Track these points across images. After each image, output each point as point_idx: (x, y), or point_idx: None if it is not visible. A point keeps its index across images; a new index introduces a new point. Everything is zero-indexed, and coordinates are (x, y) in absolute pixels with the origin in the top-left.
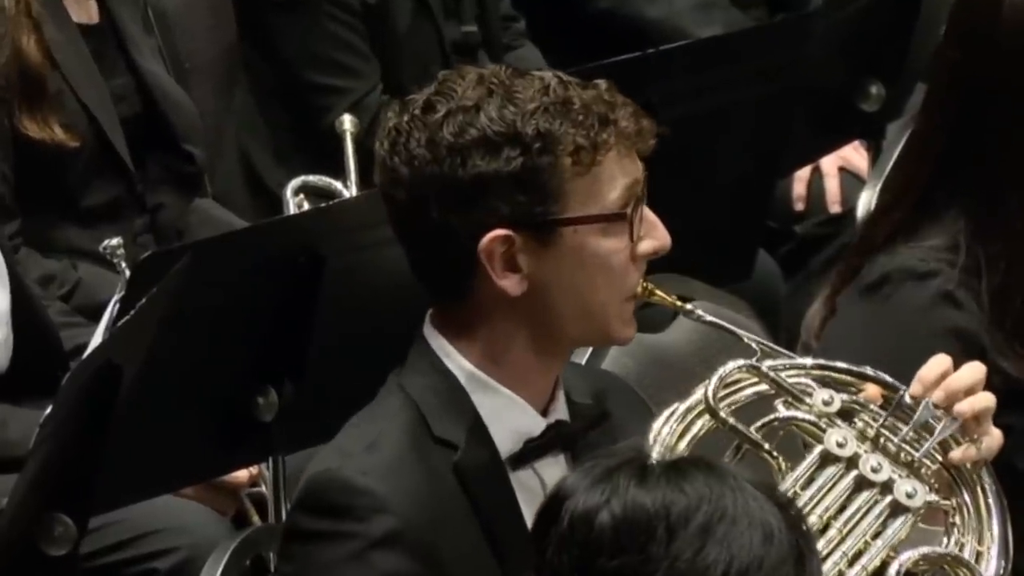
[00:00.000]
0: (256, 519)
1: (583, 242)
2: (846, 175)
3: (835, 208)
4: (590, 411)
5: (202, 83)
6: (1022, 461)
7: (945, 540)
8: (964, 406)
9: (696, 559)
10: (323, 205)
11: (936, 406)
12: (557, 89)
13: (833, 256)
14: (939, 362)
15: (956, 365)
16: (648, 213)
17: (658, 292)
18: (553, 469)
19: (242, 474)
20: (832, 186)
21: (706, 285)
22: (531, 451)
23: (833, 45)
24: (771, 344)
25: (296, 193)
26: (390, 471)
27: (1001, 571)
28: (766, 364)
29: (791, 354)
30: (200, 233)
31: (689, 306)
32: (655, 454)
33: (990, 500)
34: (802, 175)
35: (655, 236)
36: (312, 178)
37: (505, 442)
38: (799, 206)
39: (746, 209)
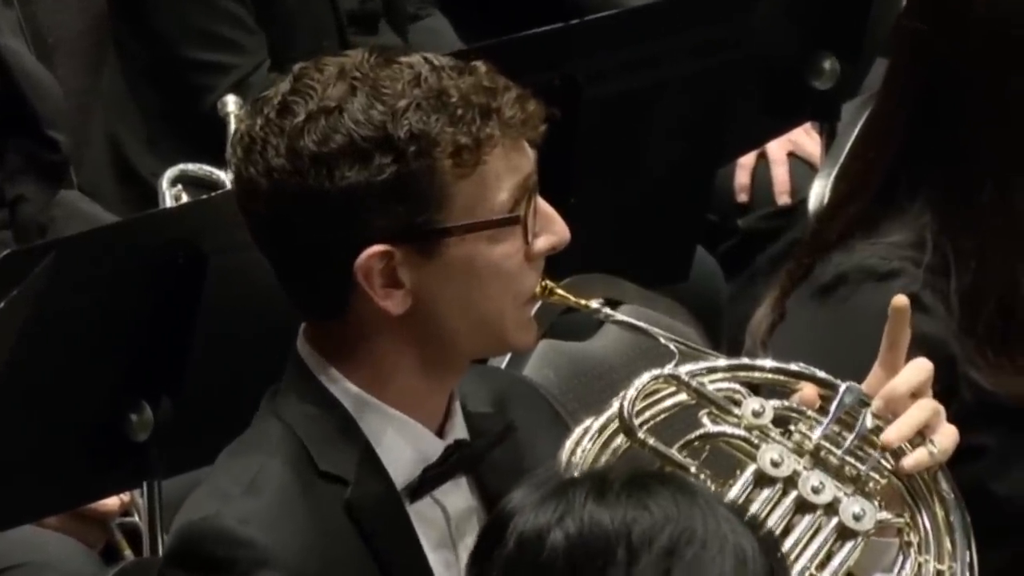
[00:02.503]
0: (128, 552)
1: (471, 251)
2: (796, 162)
3: (783, 199)
4: (491, 424)
5: (67, 61)
6: (999, 486)
7: (900, 560)
8: (891, 435)
9: None
10: (204, 197)
11: (877, 416)
12: (430, 79)
13: (781, 254)
14: (918, 370)
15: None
16: (543, 206)
17: (559, 291)
18: (455, 496)
19: (112, 501)
20: (780, 174)
21: (637, 287)
22: (430, 479)
23: (781, 14)
24: (693, 344)
25: (173, 184)
26: (273, 517)
27: None
28: (685, 370)
29: (717, 355)
30: (65, 229)
31: (595, 304)
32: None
33: (950, 512)
34: (746, 162)
35: (552, 231)
36: (191, 166)
37: (400, 471)
38: (742, 197)
39: (682, 201)
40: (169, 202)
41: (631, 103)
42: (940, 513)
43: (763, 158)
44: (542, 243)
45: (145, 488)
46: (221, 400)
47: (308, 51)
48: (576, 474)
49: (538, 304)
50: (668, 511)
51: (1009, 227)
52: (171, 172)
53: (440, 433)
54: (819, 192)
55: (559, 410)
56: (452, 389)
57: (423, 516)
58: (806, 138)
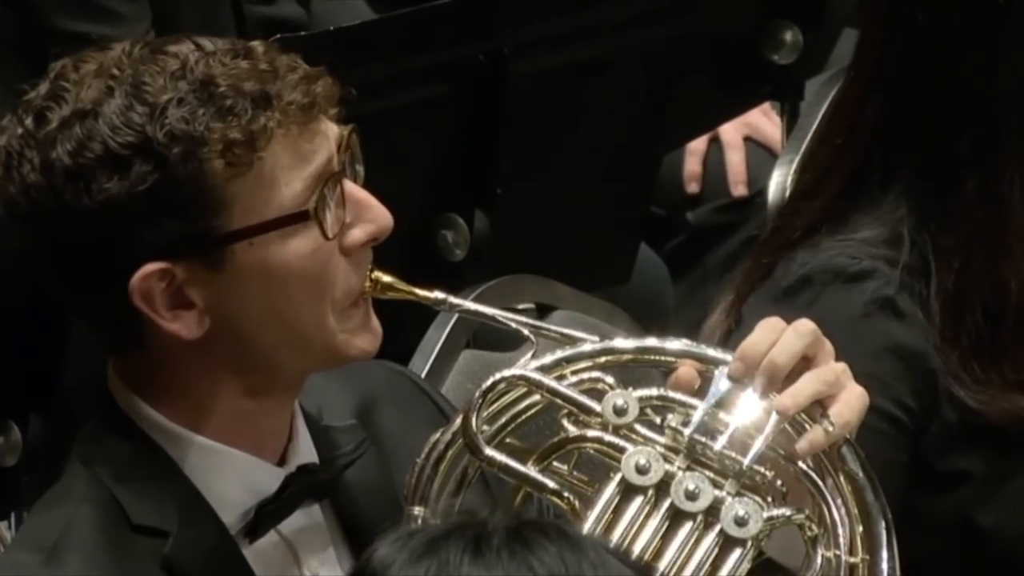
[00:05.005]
0: None
1: (263, 256)
2: (753, 147)
3: (739, 190)
4: (349, 439)
5: None
6: (985, 517)
7: (807, 558)
8: (786, 400)
9: None
10: None
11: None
12: (196, 68)
13: (737, 252)
14: (770, 327)
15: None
16: (353, 191)
17: (396, 285)
18: (306, 530)
19: None
20: (735, 161)
21: (572, 290)
22: (268, 516)
23: None
24: (555, 328)
25: None
26: None
27: None
28: (539, 363)
29: (587, 338)
30: None
31: (438, 295)
32: (416, 521)
33: (861, 496)
34: (696, 147)
35: (368, 218)
36: None
37: (234, 512)
38: (692, 188)
39: (623, 192)
40: None
41: (564, 80)
42: (850, 498)
43: (715, 143)
44: (357, 234)
45: (13, 519)
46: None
47: (197, 22)
48: (444, 525)
49: (367, 304)
50: (555, 569)
51: (996, 222)
52: None
53: (282, 460)
54: (780, 182)
55: (442, 405)
56: (291, 409)
57: (265, 557)
58: (764, 120)
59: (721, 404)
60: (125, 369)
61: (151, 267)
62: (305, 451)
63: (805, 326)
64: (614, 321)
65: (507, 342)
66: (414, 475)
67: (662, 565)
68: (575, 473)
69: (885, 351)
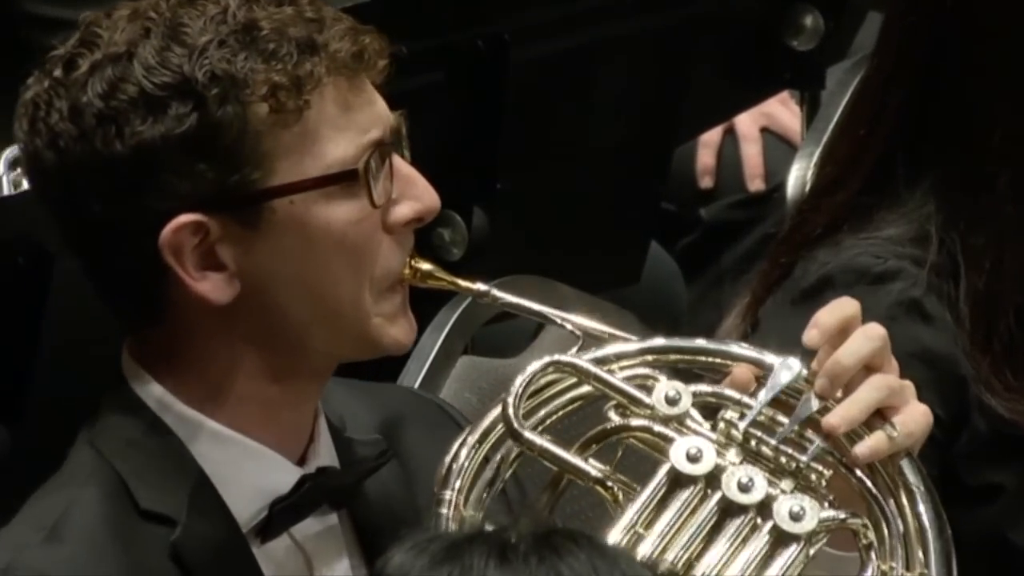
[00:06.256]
0: None
1: (304, 216)
2: (771, 139)
3: (756, 184)
4: (372, 452)
5: None
6: (1017, 533)
7: (860, 569)
8: (834, 419)
9: None
10: None
11: (822, 397)
12: (239, 13)
13: (753, 251)
14: (843, 305)
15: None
16: (402, 166)
17: (436, 273)
18: (321, 538)
19: None
20: (752, 154)
21: (578, 292)
22: (281, 515)
23: None
24: (602, 327)
25: (12, 167)
26: (79, 567)
27: None
28: (587, 357)
29: (631, 337)
30: None
31: (481, 287)
32: (447, 505)
33: (919, 507)
34: (710, 139)
35: (414, 195)
36: None
37: (246, 508)
38: (706, 182)
39: (632, 187)
40: (7, 190)
41: (569, 67)
42: (908, 511)
43: (731, 135)
44: (403, 210)
45: None
46: (70, 428)
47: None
48: (465, 532)
49: (405, 292)
50: (585, 575)
51: None
52: (8, 153)
53: (302, 460)
54: (799, 176)
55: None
56: (315, 405)
57: (275, 560)
58: (783, 110)
59: (780, 405)
60: (140, 348)
61: (184, 218)
62: (326, 455)
63: (875, 330)
64: (623, 323)
65: (508, 349)
66: (447, 460)
67: (707, 561)
68: (615, 474)
69: (912, 357)
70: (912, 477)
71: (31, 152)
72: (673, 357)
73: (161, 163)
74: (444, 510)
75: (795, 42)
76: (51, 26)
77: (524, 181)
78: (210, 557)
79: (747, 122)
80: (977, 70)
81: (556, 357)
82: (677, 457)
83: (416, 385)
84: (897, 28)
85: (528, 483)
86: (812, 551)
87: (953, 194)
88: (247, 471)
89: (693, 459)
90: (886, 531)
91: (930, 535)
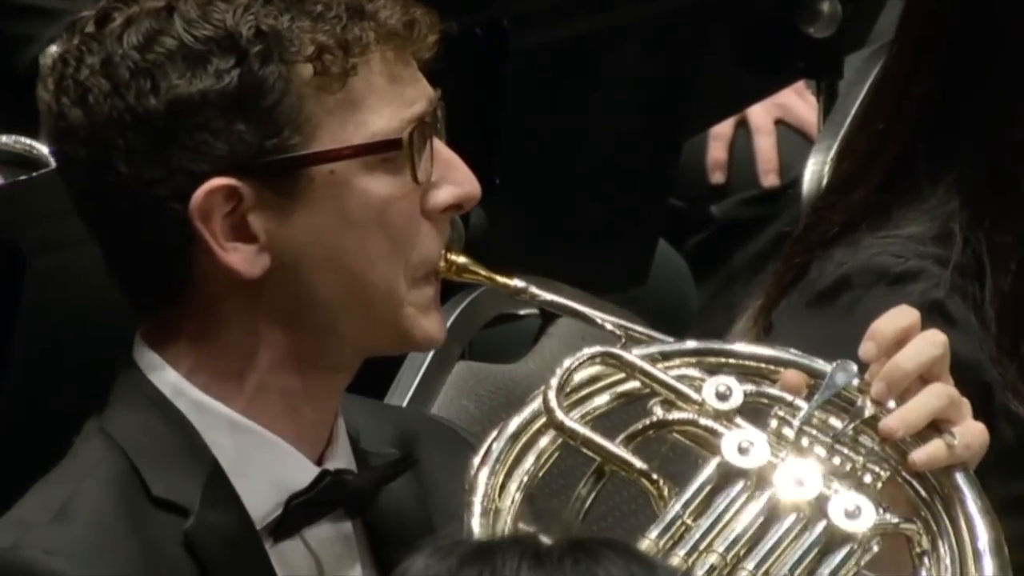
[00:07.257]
0: None
1: (344, 188)
2: (786, 132)
3: (769, 180)
4: (389, 459)
5: None
6: None
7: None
8: (893, 422)
9: None
10: (21, 179)
11: (878, 402)
12: None
13: (766, 250)
14: (900, 315)
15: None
16: (443, 149)
17: (471, 267)
18: (335, 545)
19: None
20: (765, 148)
21: (582, 293)
22: (297, 511)
23: None
24: (643, 329)
25: None
26: (86, 547)
27: None
28: (635, 353)
29: (671, 340)
30: None
31: (519, 283)
32: (479, 494)
33: (973, 517)
34: (721, 132)
35: (455, 180)
36: (4, 139)
37: (260, 503)
38: (717, 177)
39: (639, 184)
40: None
41: (571, 56)
42: (962, 520)
43: (743, 127)
44: (443, 195)
45: None
46: (45, 435)
47: None
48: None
49: (438, 285)
50: None
51: None
52: None
53: (319, 461)
54: (815, 171)
55: None
56: (336, 404)
57: (288, 561)
58: (798, 101)
59: (832, 408)
60: (156, 332)
61: (218, 181)
62: (343, 458)
63: (937, 336)
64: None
65: (508, 353)
66: (482, 451)
67: (754, 560)
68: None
69: None
70: (967, 490)
71: (56, 112)
72: (719, 360)
73: (197, 121)
74: (475, 498)
75: (812, 29)
76: (28, 14)
77: (524, 177)
78: (223, 551)
79: (761, 114)
80: (1000, 61)
81: (604, 348)
82: (728, 450)
83: (411, 392)
84: (918, 15)
85: (560, 480)
86: (864, 559)
87: (978, 191)
88: (263, 464)
89: (743, 452)
90: (941, 542)
91: (987, 553)
